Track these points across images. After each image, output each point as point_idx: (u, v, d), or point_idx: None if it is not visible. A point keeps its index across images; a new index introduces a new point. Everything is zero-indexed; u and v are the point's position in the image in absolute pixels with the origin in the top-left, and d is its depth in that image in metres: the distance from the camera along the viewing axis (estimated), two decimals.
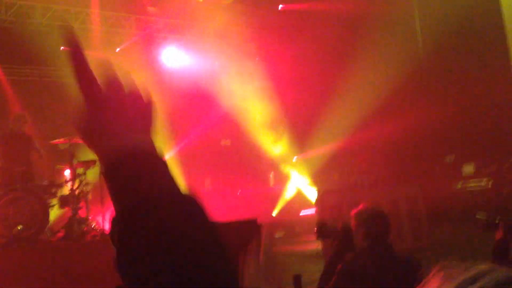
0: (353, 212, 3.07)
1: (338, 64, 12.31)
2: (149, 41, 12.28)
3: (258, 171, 13.14)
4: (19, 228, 6.43)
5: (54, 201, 7.13)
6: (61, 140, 7.33)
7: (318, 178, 12.66)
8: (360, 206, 3.08)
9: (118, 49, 11.87)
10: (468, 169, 10.98)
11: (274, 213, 12.96)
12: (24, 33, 10.46)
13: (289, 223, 12.17)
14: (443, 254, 6.88)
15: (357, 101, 11.86)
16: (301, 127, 12.83)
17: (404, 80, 11.58)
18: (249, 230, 4.05)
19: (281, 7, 12.99)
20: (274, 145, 13.06)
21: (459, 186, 10.96)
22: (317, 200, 8.34)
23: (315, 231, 3.37)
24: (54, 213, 7.30)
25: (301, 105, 13.08)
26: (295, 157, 13.14)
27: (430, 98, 12.26)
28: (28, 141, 7.22)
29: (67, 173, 7.45)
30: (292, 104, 12.97)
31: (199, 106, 12.60)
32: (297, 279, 3.48)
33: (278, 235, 11.87)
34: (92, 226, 7.29)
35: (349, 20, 12.25)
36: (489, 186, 10.56)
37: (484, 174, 10.72)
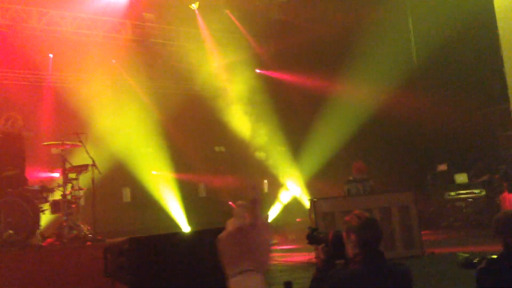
0: (345, 218, 3.07)
1: (332, 73, 12.36)
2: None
3: (252, 178, 13.12)
4: (9, 233, 6.37)
5: (46, 206, 7.09)
6: (54, 143, 7.30)
7: (311, 185, 12.67)
8: (352, 213, 3.08)
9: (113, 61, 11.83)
10: (461, 178, 11.03)
11: (268, 221, 12.95)
12: (20, 37, 10.45)
13: (283, 230, 12.15)
14: (435, 263, 6.88)
15: (350, 110, 11.91)
16: (294, 135, 12.86)
17: (398, 90, 11.64)
18: None
19: None
20: (268, 153, 13.06)
21: (452, 194, 11.00)
22: (310, 208, 8.32)
23: (306, 236, 3.35)
24: (46, 218, 7.25)
25: (295, 112, 13.13)
26: (289, 164, 13.15)
27: (423, 108, 12.33)
28: (21, 142, 7.17)
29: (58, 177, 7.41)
30: (285, 111, 13.01)
31: (193, 112, 12.61)
32: (287, 286, 3.46)
33: (272, 242, 11.85)
34: (84, 231, 7.24)
35: (343, 29, 12.34)
36: (482, 195, 10.61)
37: (477, 183, 10.78)
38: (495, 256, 3.20)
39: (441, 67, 11.88)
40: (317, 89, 12.69)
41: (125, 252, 3.73)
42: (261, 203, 1.02)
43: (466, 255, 5.96)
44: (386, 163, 12.22)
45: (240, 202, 1.03)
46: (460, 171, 11.16)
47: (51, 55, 11.03)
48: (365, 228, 2.87)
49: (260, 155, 13.03)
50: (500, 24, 9.19)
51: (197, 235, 4.56)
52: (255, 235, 0.92)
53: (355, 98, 11.84)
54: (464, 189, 10.83)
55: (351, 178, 9.47)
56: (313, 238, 3.35)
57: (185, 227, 11.55)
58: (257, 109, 12.76)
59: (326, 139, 12.16)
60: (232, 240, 0.91)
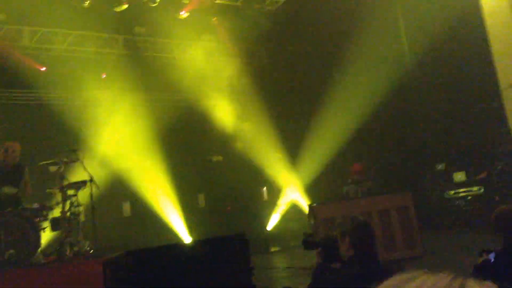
0: (338, 222, 3.11)
1: (326, 76, 12.43)
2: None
3: (251, 186, 13.14)
4: (11, 253, 6.38)
5: (46, 224, 7.09)
6: (51, 161, 7.32)
7: (311, 190, 12.69)
8: (345, 216, 3.12)
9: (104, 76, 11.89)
10: (459, 177, 11.06)
11: (268, 228, 12.95)
12: (12, 56, 10.50)
13: (284, 237, 12.16)
14: (436, 263, 6.89)
15: (346, 112, 11.96)
16: (292, 140, 12.90)
17: (392, 90, 11.70)
18: (236, 245, 4.06)
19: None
20: (267, 159, 13.09)
21: (451, 193, 11.02)
22: (309, 213, 8.34)
23: (301, 242, 3.39)
24: (46, 236, 7.26)
25: (291, 117, 13.18)
26: (287, 170, 13.17)
27: (418, 107, 12.39)
28: (21, 171, 7.20)
29: (57, 194, 7.43)
30: (282, 116, 13.06)
31: (189, 123, 12.65)
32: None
33: (273, 249, 11.85)
34: (85, 248, 7.25)
35: (334, 32, 12.41)
36: (481, 193, 10.63)
37: (475, 181, 10.80)
38: (491, 254, 3.22)
39: (434, 65, 11.94)
40: (312, 93, 12.76)
41: (123, 266, 3.76)
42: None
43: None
44: (384, 164, 12.26)
45: None
46: (458, 169, 11.19)
47: (43, 70, 11.09)
48: (358, 230, 2.91)
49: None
50: (489, 20, 9.27)
51: (196, 245, 4.58)
52: None
53: (351, 100, 11.89)
54: (463, 187, 10.85)
55: (349, 180, 9.51)
56: (308, 243, 3.38)
57: (186, 238, 11.55)
58: (252, 115, 12.81)
59: (323, 142, 12.20)
60: None
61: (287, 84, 13.48)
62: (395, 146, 12.48)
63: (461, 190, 10.83)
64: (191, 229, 11.73)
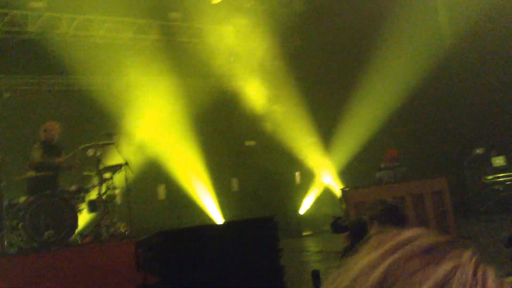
0: (367, 206, 3.08)
1: (362, 59, 12.20)
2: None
3: (284, 170, 13.15)
4: (49, 233, 6.63)
5: (83, 206, 7.33)
6: (88, 145, 7.53)
7: (344, 175, 12.59)
8: (375, 200, 3.08)
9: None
10: (498, 161, 10.72)
11: (301, 212, 12.95)
12: (51, 43, 10.79)
13: (316, 221, 12.15)
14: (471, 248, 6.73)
15: (381, 96, 11.74)
16: (326, 124, 12.78)
17: (429, 73, 11.39)
18: (265, 227, 4.08)
19: None
20: (300, 144, 13.05)
21: (489, 178, 10.71)
22: (342, 197, 8.29)
23: (330, 225, 3.38)
24: (83, 217, 7.50)
25: (325, 100, 13.04)
26: (320, 154, 13.09)
27: (457, 90, 12.03)
28: (59, 151, 7.45)
29: (94, 177, 7.65)
30: (316, 100, 12.94)
31: (225, 107, 12.75)
32: (315, 275, 3.50)
33: (305, 233, 11.87)
34: (120, 230, 7.45)
35: (370, 15, 12.14)
36: None
37: None
38: None
39: (473, 47, 11.54)
40: (346, 77, 12.57)
41: (155, 246, 3.85)
42: None
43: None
44: (421, 148, 12.01)
45: None
46: (497, 154, 10.84)
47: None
48: (387, 214, 2.88)
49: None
50: None
51: (225, 227, 4.64)
52: None
53: (386, 83, 11.66)
54: (502, 172, 10.52)
55: (382, 165, 9.36)
56: (336, 227, 3.37)
57: (219, 222, 11.71)
58: (285, 99, 12.76)
59: (357, 127, 12.05)
60: None
61: (321, 68, 13.32)
62: (432, 130, 12.19)
63: (501, 175, 10.50)
64: (224, 212, 11.88)
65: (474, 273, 0.58)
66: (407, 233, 0.64)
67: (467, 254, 0.61)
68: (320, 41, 13.20)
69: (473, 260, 0.60)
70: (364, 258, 0.64)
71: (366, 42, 12.24)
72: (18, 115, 10.55)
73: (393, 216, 2.91)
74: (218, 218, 11.89)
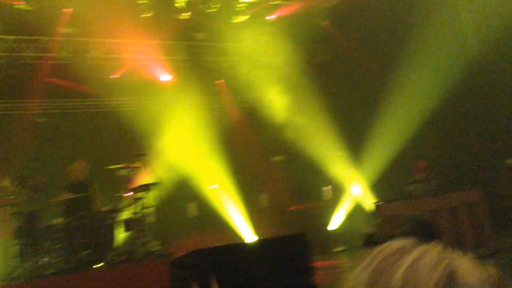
0: (396, 222, 3.05)
1: (389, 70, 12.12)
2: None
3: (314, 185, 13.08)
4: (86, 253, 6.78)
5: (117, 225, 7.47)
6: (119, 166, 7.71)
7: (374, 188, 12.44)
8: (404, 217, 3.06)
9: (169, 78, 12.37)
10: None
11: (331, 227, 12.83)
12: (82, 67, 11.14)
13: (348, 236, 12.00)
14: (509, 261, 6.55)
15: (411, 107, 11.60)
16: (355, 137, 12.70)
17: (458, 83, 11.21)
18: (297, 244, 4.08)
19: None
20: (329, 158, 12.98)
21: None
22: (374, 211, 8.20)
23: (363, 243, 3.36)
24: (118, 236, 7.64)
25: (353, 114, 12.97)
26: (351, 168, 12.98)
27: (489, 99, 11.79)
28: (85, 187, 7.70)
29: (128, 197, 7.81)
30: (344, 113, 12.90)
31: (252, 124, 12.84)
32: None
33: (337, 249, 11.73)
34: (155, 248, 7.56)
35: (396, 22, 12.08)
36: None
37: None
38: None
39: (502, 56, 11.32)
40: (373, 89, 12.50)
41: (189, 265, 3.89)
42: None
43: None
44: (453, 159, 11.77)
45: None
46: None
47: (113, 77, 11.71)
48: (419, 231, 2.85)
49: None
50: None
51: (258, 244, 4.66)
52: None
53: (414, 95, 11.53)
54: None
55: (414, 178, 9.24)
56: (370, 242, 3.35)
57: (250, 238, 11.70)
58: (313, 113, 12.76)
59: (387, 139, 11.91)
60: None
61: (348, 80, 13.29)
62: (464, 141, 11.95)
63: None
64: (254, 229, 11.88)
65: (441, 254, 0.72)
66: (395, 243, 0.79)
67: (435, 244, 0.74)
68: (346, 53, 13.19)
69: (441, 246, 0.74)
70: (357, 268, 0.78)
71: (393, 53, 12.17)
72: (52, 139, 10.88)
73: (426, 232, 2.88)
74: (248, 234, 11.89)
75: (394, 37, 12.06)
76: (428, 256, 0.71)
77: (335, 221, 12.86)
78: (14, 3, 9.67)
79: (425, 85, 11.41)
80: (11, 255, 6.98)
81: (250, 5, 11.90)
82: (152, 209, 8.02)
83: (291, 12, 12.44)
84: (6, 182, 7.29)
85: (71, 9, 10.59)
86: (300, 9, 12.43)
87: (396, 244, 0.78)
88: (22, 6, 9.57)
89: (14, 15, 10.20)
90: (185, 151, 11.47)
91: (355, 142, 12.67)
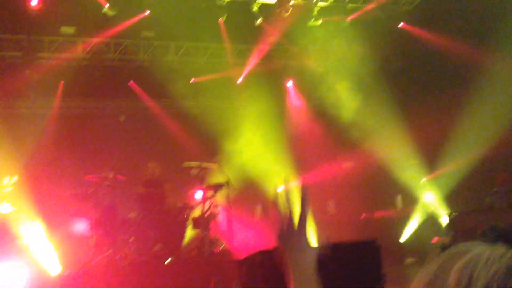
0: (477, 233, 2.89)
1: (467, 81, 11.55)
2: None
3: (384, 194, 12.73)
4: (158, 247, 7.04)
5: (188, 222, 7.69)
6: (193, 164, 7.94)
7: (450, 200, 11.87)
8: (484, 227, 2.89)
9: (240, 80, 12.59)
10: None
11: (402, 239, 12.40)
12: (160, 70, 11.60)
13: (420, 248, 11.53)
14: None
15: (490, 116, 10.96)
16: (429, 146, 12.20)
17: None
18: (368, 251, 3.99)
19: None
20: (402, 166, 12.57)
21: None
22: (449, 224, 7.85)
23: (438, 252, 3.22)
24: (188, 233, 7.86)
25: (429, 122, 12.48)
26: (425, 177, 12.49)
27: None
28: (159, 184, 8.03)
29: (198, 195, 8.03)
30: (419, 121, 12.44)
31: (322, 128, 12.74)
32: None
33: (408, 261, 11.32)
34: (222, 247, 7.71)
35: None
36: None
37: None
38: None
39: None
40: (452, 96, 11.96)
41: (257, 264, 3.93)
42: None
43: None
44: None
45: None
46: None
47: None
48: (500, 241, 2.68)
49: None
50: None
51: (327, 249, 4.60)
52: None
53: (496, 102, 10.89)
54: None
55: (495, 189, 8.75)
56: None
57: (314, 244, 11.58)
58: (387, 120, 12.43)
59: (464, 148, 11.32)
60: None
61: (425, 86, 12.80)
62: None
63: None
64: (320, 235, 11.74)
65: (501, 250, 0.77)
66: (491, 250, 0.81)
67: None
68: (423, 60, 12.72)
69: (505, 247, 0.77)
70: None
71: (473, 59, 11.57)
72: (132, 137, 11.43)
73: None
74: (313, 242, 11.77)
75: (477, 38, 11.45)
76: (486, 254, 0.74)
77: (407, 232, 12.42)
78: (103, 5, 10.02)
79: (506, 92, 10.74)
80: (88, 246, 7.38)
81: (326, 8, 11.80)
82: (220, 208, 8.18)
83: (367, 15, 12.18)
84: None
85: (149, 11, 10.85)
86: (376, 12, 12.14)
87: (460, 246, 0.82)
88: (104, 10, 10.01)
89: (97, 18, 10.56)
90: (255, 152, 11.60)
91: (430, 151, 12.17)
